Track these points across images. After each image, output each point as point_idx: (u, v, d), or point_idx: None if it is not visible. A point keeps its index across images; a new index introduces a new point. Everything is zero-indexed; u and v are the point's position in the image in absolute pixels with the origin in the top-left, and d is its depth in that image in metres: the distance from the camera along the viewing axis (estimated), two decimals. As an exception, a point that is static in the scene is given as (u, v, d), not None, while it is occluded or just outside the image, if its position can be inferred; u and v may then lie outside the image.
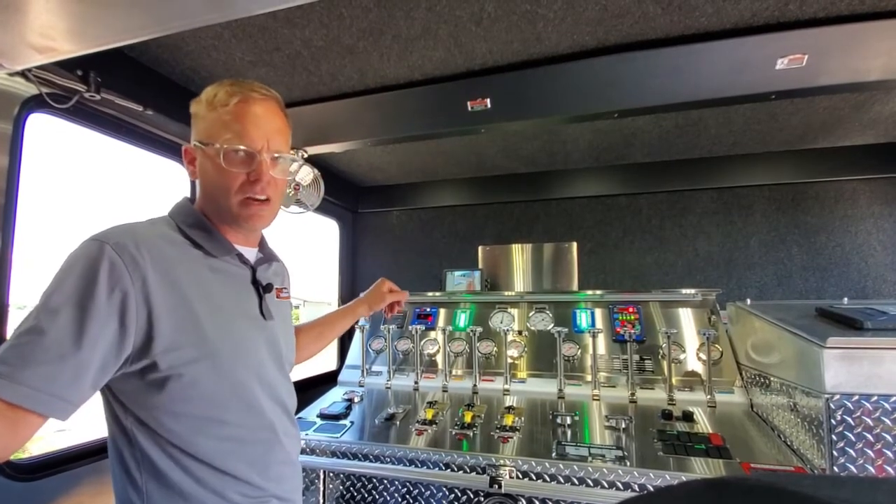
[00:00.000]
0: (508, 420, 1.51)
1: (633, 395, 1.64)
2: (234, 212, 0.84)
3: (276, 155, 0.86)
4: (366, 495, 1.46)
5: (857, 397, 1.10)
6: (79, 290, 0.67)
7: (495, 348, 1.93)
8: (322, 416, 1.66)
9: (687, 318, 1.82)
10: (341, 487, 1.49)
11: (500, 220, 2.77)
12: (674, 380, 1.65)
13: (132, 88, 1.42)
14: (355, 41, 1.37)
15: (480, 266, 2.60)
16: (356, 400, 1.81)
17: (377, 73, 1.55)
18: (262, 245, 0.99)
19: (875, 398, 1.09)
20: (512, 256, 2.58)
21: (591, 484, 1.23)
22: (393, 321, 2.11)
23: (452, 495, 1.37)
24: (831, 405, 1.12)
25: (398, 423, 1.59)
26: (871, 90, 1.60)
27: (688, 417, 1.46)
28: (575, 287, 2.43)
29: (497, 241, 2.71)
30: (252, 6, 0.87)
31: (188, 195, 0.92)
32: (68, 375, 0.65)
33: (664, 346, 1.68)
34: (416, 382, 1.90)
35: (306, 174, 1.86)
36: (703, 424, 1.45)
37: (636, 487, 1.21)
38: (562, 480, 1.26)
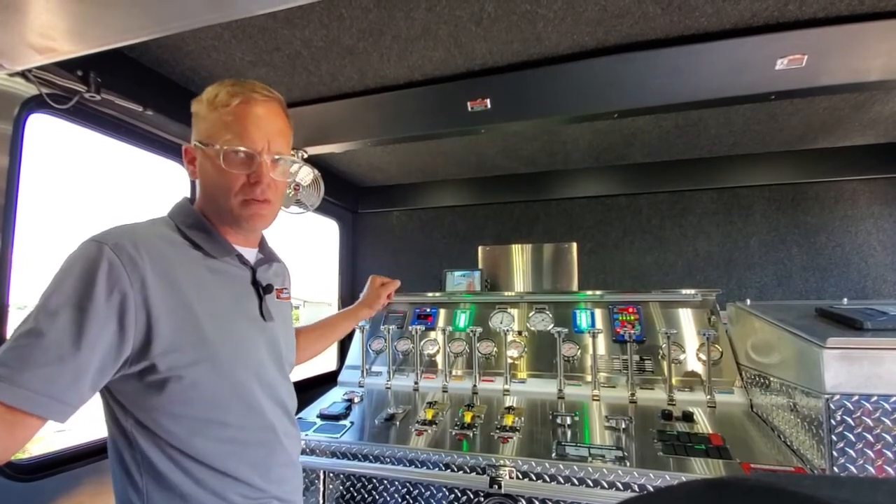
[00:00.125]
0: (508, 420, 1.51)
1: (633, 395, 1.64)
2: (235, 212, 0.84)
3: (276, 157, 0.85)
4: (366, 496, 1.46)
5: (856, 397, 1.10)
6: (77, 292, 0.67)
7: (495, 348, 1.93)
8: (322, 416, 1.66)
9: (687, 319, 1.82)
10: (341, 488, 1.49)
11: (500, 221, 2.77)
12: (674, 380, 1.65)
13: (132, 89, 1.42)
14: (355, 41, 1.37)
15: (480, 266, 2.60)
16: (356, 400, 1.81)
17: (377, 73, 1.55)
18: (263, 245, 0.98)
19: (875, 398, 1.09)
20: (512, 257, 2.58)
21: (591, 484, 1.23)
22: (393, 321, 2.12)
23: (452, 495, 1.36)
24: (831, 405, 1.12)
25: (398, 423, 1.59)
26: (871, 90, 1.60)
27: (688, 418, 1.46)
28: (575, 287, 2.43)
29: (497, 242, 2.71)
30: (252, 6, 0.87)
31: (188, 195, 0.91)
32: (67, 378, 0.64)
33: (664, 346, 1.67)
34: (415, 383, 1.90)
35: (306, 174, 1.86)
36: (703, 425, 1.45)
37: (636, 488, 1.21)
38: (562, 481, 1.26)
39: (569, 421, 1.50)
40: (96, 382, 0.68)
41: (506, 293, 2.20)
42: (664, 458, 1.26)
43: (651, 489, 1.21)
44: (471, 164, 2.51)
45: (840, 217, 2.26)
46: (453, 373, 1.91)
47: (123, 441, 0.77)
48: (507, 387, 1.79)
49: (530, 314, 2.01)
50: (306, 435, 1.54)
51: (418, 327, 1.95)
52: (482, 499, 1.33)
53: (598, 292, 1.99)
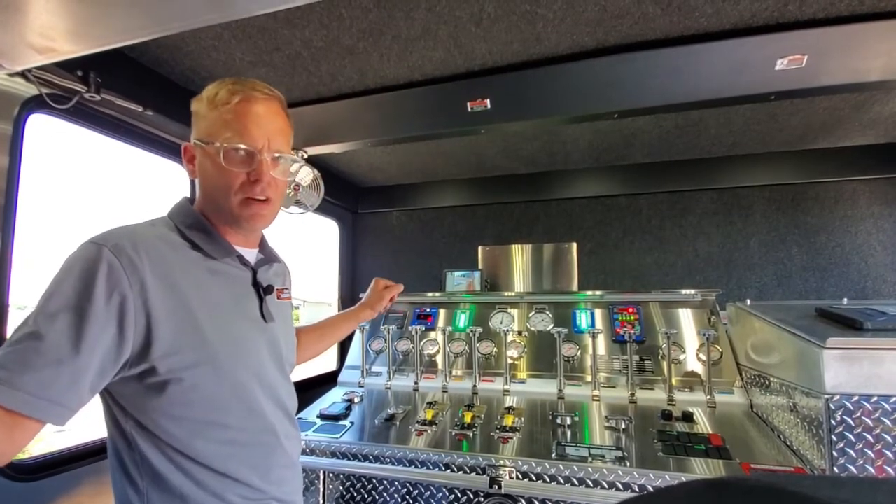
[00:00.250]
0: (508, 420, 1.51)
1: (632, 395, 1.64)
2: (235, 212, 0.83)
3: (276, 155, 0.85)
4: (366, 496, 1.46)
5: (856, 398, 1.10)
6: (77, 294, 0.66)
7: (495, 349, 1.93)
8: (322, 416, 1.66)
9: (687, 319, 1.82)
10: (341, 488, 1.49)
11: (500, 221, 2.77)
12: (674, 380, 1.65)
13: (132, 89, 1.42)
14: (355, 42, 1.37)
15: (480, 266, 2.60)
16: (356, 400, 1.81)
17: (377, 73, 1.55)
18: (263, 245, 0.98)
19: (875, 399, 1.09)
20: (512, 257, 2.58)
21: (591, 484, 1.23)
22: (393, 321, 2.12)
23: (452, 496, 1.36)
24: (831, 406, 1.12)
25: (398, 423, 1.59)
26: (871, 90, 1.60)
27: (688, 418, 1.46)
28: (575, 287, 2.43)
29: (497, 242, 2.71)
30: (252, 6, 0.87)
31: (188, 195, 0.91)
32: (66, 381, 0.64)
33: (664, 346, 1.67)
34: (415, 383, 1.90)
35: (306, 174, 1.87)
36: (703, 425, 1.45)
37: (636, 488, 1.21)
38: (562, 481, 1.26)
39: (569, 421, 1.50)
40: (95, 385, 0.68)
41: (506, 293, 2.20)
42: (664, 459, 1.26)
43: (651, 489, 1.20)
44: (471, 164, 2.51)
45: (840, 217, 2.26)
46: (453, 373, 1.91)
47: (123, 442, 0.77)
48: (507, 387, 1.79)
49: (530, 314, 2.01)
50: (306, 435, 1.54)
51: (418, 327, 1.95)
52: (482, 499, 1.33)
53: (598, 292, 1.99)
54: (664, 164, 2.45)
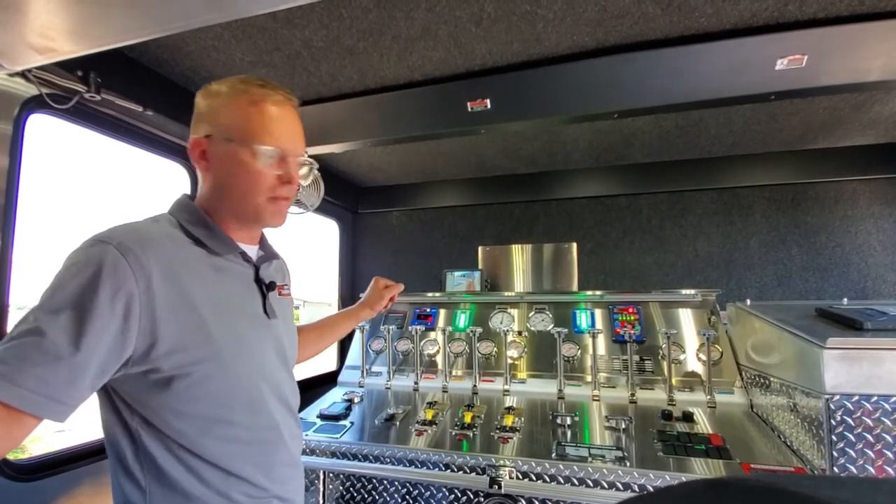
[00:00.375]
0: (508, 420, 1.51)
1: (633, 395, 1.64)
2: (260, 210, 0.85)
3: (300, 158, 0.88)
4: (366, 496, 1.46)
5: (856, 398, 1.10)
6: (80, 292, 0.66)
7: (495, 349, 1.93)
8: (322, 416, 1.66)
9: (687, 319, 1.82)
10: (341, 488, 1.49)
11: (500, 221, 2.77)
12: (674, 380, 1.65)
13: (132, 89, 1.42)
14: (355, 42, 1.37)
15: (480, 266, 2.60)
16: (356, 400, 1.81)
17: (377, 73, 1.55)
18: (263, 242, 0.98)
19: (875, 399, 1.09)
20: (512, 257, 2.58)
21: (591, 484, 1.23)
22: (393, 321, 2.12)
23: (452, 496, 1.36)
24: (831, 406, 1.12)
25: (398, 423, 1.59)
26: (871, 90, 1.60)
27: (688, 418, 1.46)
28: (575, 287, 2.43)
29: (497, 242, 2.71)
30: (252, 6, 0.87)
31: (186, 192, 0.91)
32: (65, 377, 0.64)
33: (664, 346, 1.67)
34: (415, 383, 1.90)
35: (306, 174, 1.86)
36: (703, 425, 1.45)
37: (636, 488, 1.21)
38: (562, 481, 1.26)
39: (569, 421, 1.50)
40: (95, 382, 0.68)
41: (506, 293, 2.20)
42: (664, 459, 1.26)
43: (651, 489, 1.20)
44: (471, 164, 2.51)
45: (840, 217, 2.26)
46: (453, 373, 1.91)
47: (127, 439, 0.76)
48: (507, 387, 1.79)
49: (530, 314, 2.01)
50: (306, 435, 1.54)
51: (418, 327, 1.95)
52: (482, 499, 1.33)
53: (598, 292, 1.99)
54: (664, 164, 2.45)
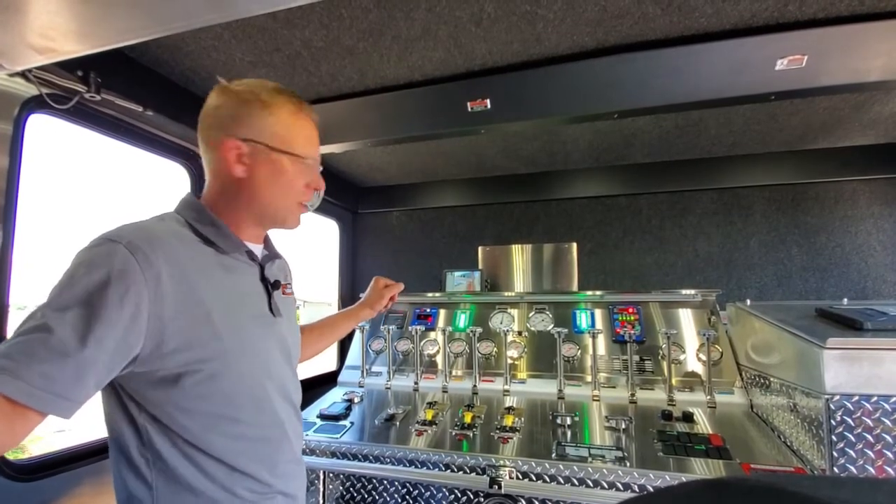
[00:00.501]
0: (508, 421, 1.51)
1: (632, 395, 1.64)
2: (287, 214, 0.91)
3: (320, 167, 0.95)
4: (365, 496, 1.46)
5: (856, 398, 1.10)
6: (89, 290, 0.66)
7: (495, 349, 1.93)
8: (322, 416, 1.66)
9: (687, 319, 1.82)
10: (341, 488, 1.49)
11: (500, 221, 2.77)
12: (674, 380, 1.65)
13: (132, 89, 1.42)
14: (355, 42, 1.37)
15: (480, 266, 2.60)
16: (356, 400, 1.81)
17: (377, 73, 1.55)
18: (267, 242, 0.99)
19: (875, 399, 1.09)
20: (512, 257, 2.58)
21: (591, 484, 1.23)
22: (392, 321, 2.12)
23: (452, 496, 1.36)
24: (831, 406, 1.12)
25: (398, 423, 1.59)
26: (871, 90, 1.60)
27: (688, 418, 1.46)
28: (575, 287, 2.43)
29: (497, 242, 2.71)
30: (253, 7, 0.87)
31: (189, 192, 0.91)
32: (72, 374, 0.64)
33: (664, 346, 1.67)
34: (415, 383, 1.90)
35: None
36: (703, 425, 1.45)
37: (636, 488, 1.21)
38: (562, 481, 1.26)
39: (569, 421, 1.50)
40: (102, 380, 0.68)
41: (506, 293, 2.20)
42: (664, 459, 1.26)
43: (651, 489, 1.20)
44: (471, 164, 2.51)
45: (840, 217, 2.26)
46: (453, 373, 1.91)
47: (134, 436, 0.77)
48: (507, 387, 1.79)
49: (530, 314, 2.01)
50: (306, 435, 1.54)
51: (418, 327, 1.95)
52: (482, 499, 1.33)
53: (598, 292, 1.99)
54: (664, 164, 2.45)
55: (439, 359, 1.98)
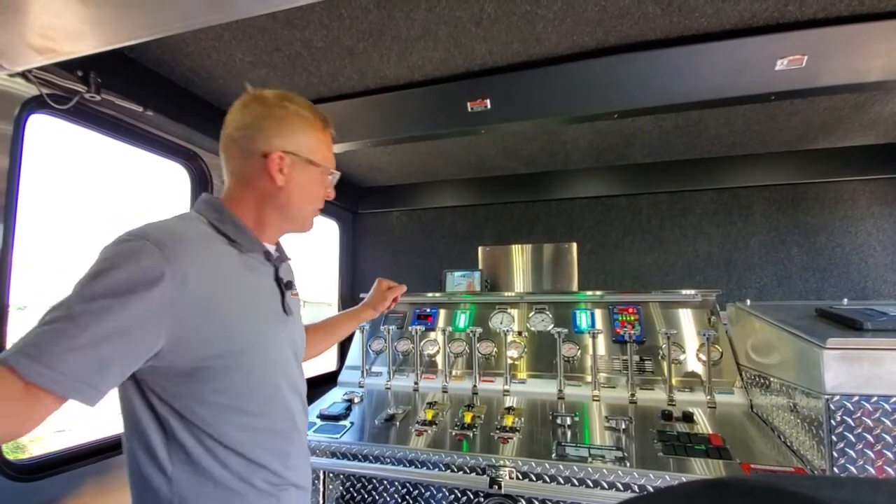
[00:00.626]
0: (508, 421, 1.51)
1: (633, 395, 1.64)
2: (309, 218, 0.99)
3: None
4: (365, 496, 1.46)
5: (857, 398, 1.10)
6: (116, 283, 0.68)
7: (495, 349, 1.93)
8: (322, 416, 1.66)
9: (687, 319, 1.82)
10: (341, 488, 1.49)
11: (500, 221, 2.77)
12: (674, 380, 1.65)
13: (132, 89, 1.42)
14: (355, 42, 1.37)
15: (480, 267, 2.60)
16: (356, 400, 1.81)
17: (377, 73, 1.55)
18: (278, 244, 1.03)
19: (875, 399, 1.09)
20: (512, 257, 2.58)
21: (591, 485, 1.23)
22: (392, 321, 2.12)
23: (452, 496, 1.36)
24: (831, 406, 1.12)
25: (398, 423, 1.59)
26: (871, 91, 1.60)
27: (688, 418, 1.46)
28: (575, 287, 2.43)
29: (497, 242, 2.71)
30: (252, 7, 0.87)
31: (208, 193, 0.94)
32: (95, 363, 0.65)
33: (664, 346, 1.67)
34: (415, 383, 1.90)
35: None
36: (703, 425, 1.45)
37: (636, 488, 1.21)
38: (562, 481, 1.26)
39: (569, 421, 1.50)
40: (125, 371, 0.70)
41: (506, 293, 2.20)
42: (664, 459, 1.26)
43: (651, 489, 1.20)
44: (471, 164, 2.51)
45: (840, 217, 2.26)
46: (453, 373, 1.91)
47: (157, 428, 0.78)
48: (507, 387, 1.79)
49: (530, 314, 2.01)
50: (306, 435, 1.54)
51: (418, 328, 1.95)
52: (482, 499, 1.33)
53: (598, 292, 1.99)
54: (664, 164, 2.45)
55: (439, 359, 1.98)
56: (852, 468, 1.09)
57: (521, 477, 1.30)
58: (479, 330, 1.86)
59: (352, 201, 2.96)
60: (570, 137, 2.13)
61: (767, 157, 2.32)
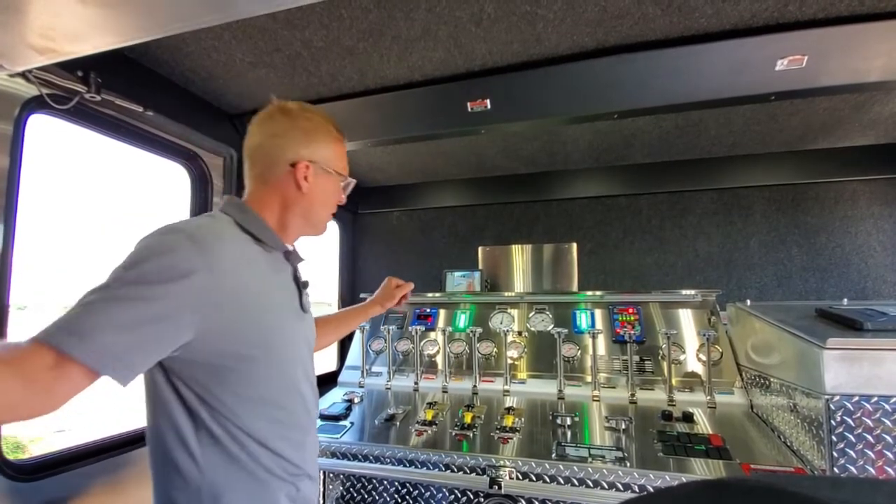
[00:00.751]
0: (508, 421, 1.51)
1: (633, 395, 1.64)
2: (325, 221, 1.05)
3: None
4: (365, 496, 1.46)
5: (857, 398, 1.10)
6: (154, 271, 0.71)
7: (495, 349, 1.93)
8: (322, 416, 1.66)
9: (687, 319, 1.82)
10: (341, 488, 1.49)
11: (500, 221, 2.77)
12: (674, 381, 1.65)
13: (132, 89, 1.42)
14: (355, 42, 1.37)
15: (480, 267, 2.60)
16: (356, 401, 1.81)
17: (377, 73, 1.55)
18: (294, 246, 1.08)
19: (875, 399, 1.09)
20: (512, 257, 2.58)
21: (591, 485, 1.23)
22: (393, 321, 2.12)
23: (452, 496, 1.36)
24: (831, 406, 1.12)
25: (398, 423, 1.59)
26: (871, 91, 1.60)
27: (688, 418, 1.46)
28: (575, 288, 2.43)
29: (497, 242, 2.71)
30: (252, 7, 0.87)
31: (232, 194, 0.97)
32: (133, 343, 0.68)
33: (664, 346, 1.67)
34: (415, 383, 1.90)
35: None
36: (703, 425, 1.45)
37: (636, 488, 1.21)
38: (562, 481, 1.26)
39: (569, 421, 1.50)
40: (155, 356, 0.73)
41: (506, 293, 2.20)
42: (664, 459, 1.26)
43: (651, 490, 1.20)
44: (471, 164, 2.51)
45: (840, 217, 2.26)
46: (453, 373, 1.91)
47: (184, 413, 0.81)
48: (507, 387, 1.79)
49: (530, 314, 2.01)
50: (306, 435, 1.54)
51: (418, 328, 1.95)
52: (482, 499, 1.33)
53: (598, 293, 1.99)
54: (664, 164, 2.45)
55: (439, 359, 1.98)
56: (852, 468, 1.09)
57: (521, 477, 1.30)
58: (479, 330, 1.86)
59: (352, 201, 2.95)
60: (570, 137, 2.13)
61: (767, 158, 2.31)
